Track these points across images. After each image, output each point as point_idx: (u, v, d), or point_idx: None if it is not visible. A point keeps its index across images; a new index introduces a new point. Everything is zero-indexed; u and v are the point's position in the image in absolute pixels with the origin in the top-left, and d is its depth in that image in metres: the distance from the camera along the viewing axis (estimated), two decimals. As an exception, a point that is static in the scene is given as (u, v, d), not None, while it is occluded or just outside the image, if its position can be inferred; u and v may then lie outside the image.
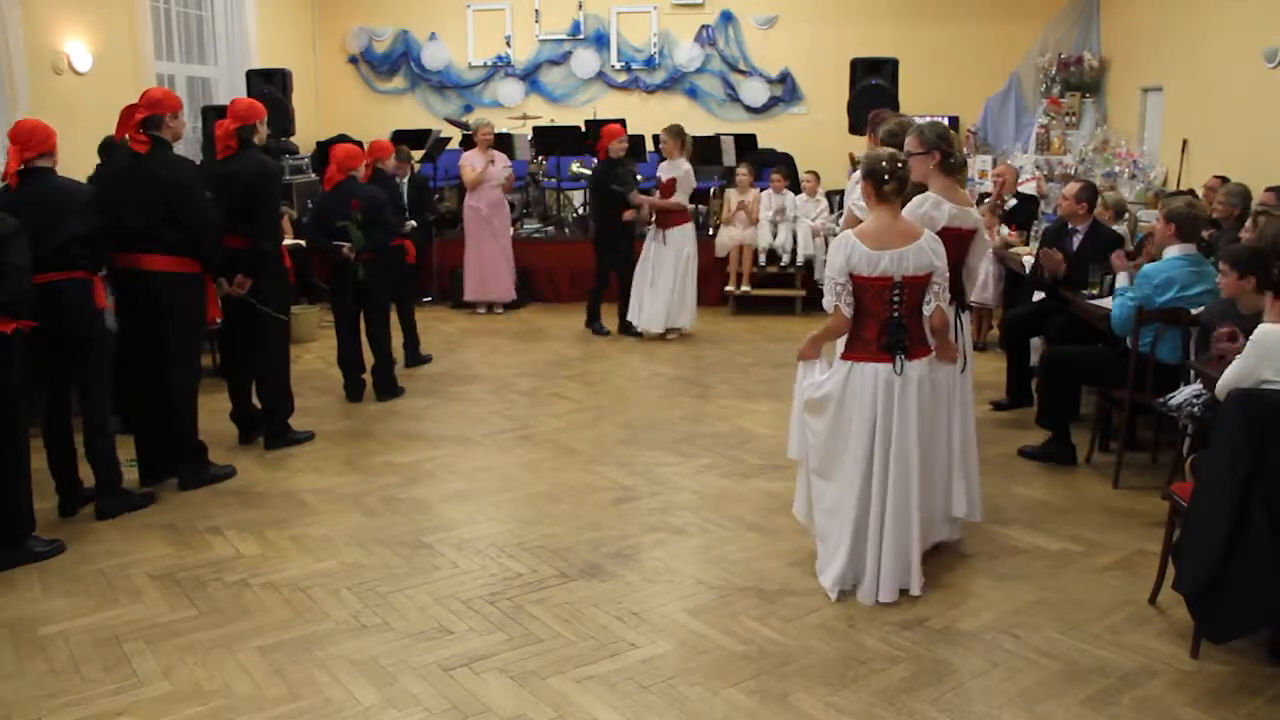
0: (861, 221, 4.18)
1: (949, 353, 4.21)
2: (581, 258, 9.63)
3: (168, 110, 5.10)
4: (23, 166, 4.67)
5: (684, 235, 8.53)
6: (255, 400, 5.99)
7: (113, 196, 4.93)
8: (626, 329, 8.82)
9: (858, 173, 4.36)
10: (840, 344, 4.08)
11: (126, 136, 5.07)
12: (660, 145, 8.62)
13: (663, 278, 8.47)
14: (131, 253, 5.02)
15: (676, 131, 8.56)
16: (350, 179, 6.68)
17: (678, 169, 8.41)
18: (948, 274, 4.03)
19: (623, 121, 9.03)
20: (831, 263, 4.00)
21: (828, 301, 4.01)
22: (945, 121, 11.17)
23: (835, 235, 4.16)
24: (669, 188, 8.44)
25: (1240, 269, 4.40)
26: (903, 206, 4.16)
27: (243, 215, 5.44)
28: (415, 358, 7.85)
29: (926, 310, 4.01)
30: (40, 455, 4.71)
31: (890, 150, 4.10)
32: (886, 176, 3.91)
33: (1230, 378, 3.75)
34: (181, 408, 5.26)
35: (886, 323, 3.95)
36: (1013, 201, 8.24)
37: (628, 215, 8.49)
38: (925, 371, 4.03)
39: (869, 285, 3.91)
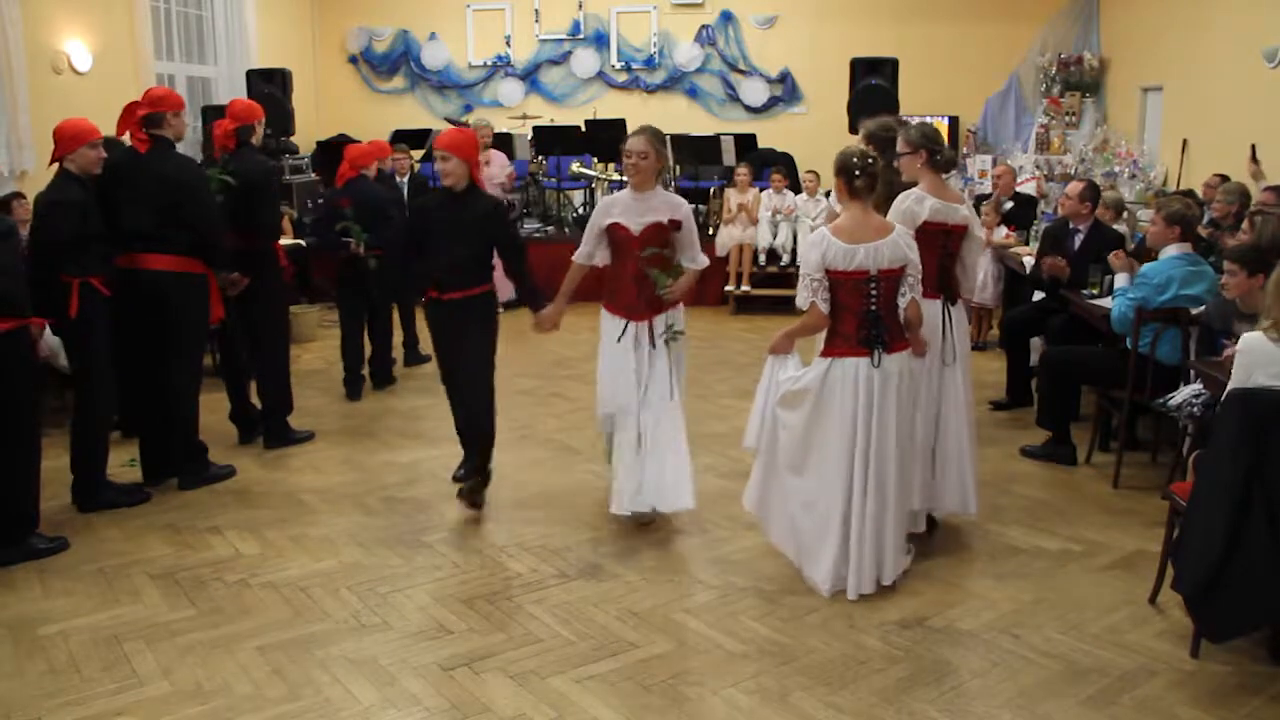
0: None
1: (919, 346, 4.25)
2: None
3: (169, 108, 5.10)
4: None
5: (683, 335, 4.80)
6: (255, 400, 6.00)
7: (113, 196, 4.93)
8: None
9: None
10: (819, 341, 4.11)
11: (127, 135, 5.08)
12: (631, 161, 4.56)
13: (663, 423, 4.61)
14: (134, 253, 5.01)
15: (657, 139, 4.64)
16: (361, 177, 6.89)
17: (672, 204, 4.64)
18: (921, 267, 4.08)
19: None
20: (807, 260, 4.04)
21: (802, 298, 4.03)
22: (945, 122, 11.24)
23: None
24: (664, 232, 4.57)
25: (1250, 268, 4.40)
26: (889, 203, 4.33)
27: (242, 215, 5.45)
28: (414, 356, 7.84)
29: (901, 303, 4.05)
30: (47, 455, 4.70)
31: (860, 148, 4.15)
32: (856, 173, 3.99)
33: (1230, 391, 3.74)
34: (183, 408, 5.27)
35: (864, 316, 3.98)
36: (1009, 205, 8.23)
37: (544, 327, 5.23)
38: (904, 365, 4.07)
39: (845, 279, 3.96)
